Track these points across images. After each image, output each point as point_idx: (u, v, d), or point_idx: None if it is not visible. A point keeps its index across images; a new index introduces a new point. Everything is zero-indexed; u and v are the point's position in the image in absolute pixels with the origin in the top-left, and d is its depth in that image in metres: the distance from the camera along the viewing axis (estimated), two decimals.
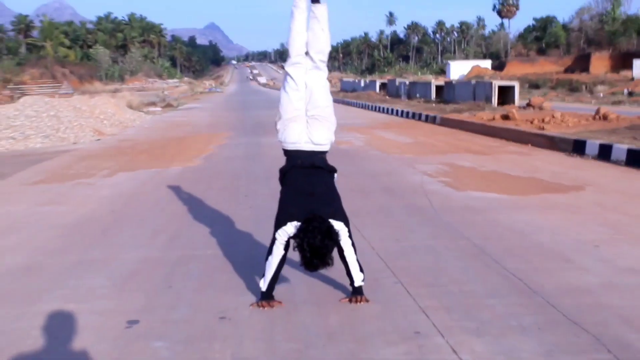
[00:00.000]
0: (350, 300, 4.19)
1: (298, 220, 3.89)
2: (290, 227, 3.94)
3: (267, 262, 4.11)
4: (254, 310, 4.10)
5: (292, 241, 4.00)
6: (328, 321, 3.89)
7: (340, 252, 4.11)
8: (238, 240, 5.98)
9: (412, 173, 9.88)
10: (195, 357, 3.41)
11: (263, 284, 4.15)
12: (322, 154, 4.21)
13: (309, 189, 4.01)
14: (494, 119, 17.52)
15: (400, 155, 12.22)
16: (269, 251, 4.11)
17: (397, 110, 25.36)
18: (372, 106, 29.71)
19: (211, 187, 9.02)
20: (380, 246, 5.55)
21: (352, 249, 4.13)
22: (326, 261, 3.82)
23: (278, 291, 4.28)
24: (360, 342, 3.56)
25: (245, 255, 5.42)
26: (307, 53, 4.25)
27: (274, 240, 4.06)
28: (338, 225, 3.97)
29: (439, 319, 3.87)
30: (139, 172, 10.84)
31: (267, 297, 4.15)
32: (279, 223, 4.00)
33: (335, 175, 4.25)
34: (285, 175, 4.18)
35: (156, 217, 7.14)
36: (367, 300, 4.18)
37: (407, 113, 23.77)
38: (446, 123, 19.19)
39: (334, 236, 3.83)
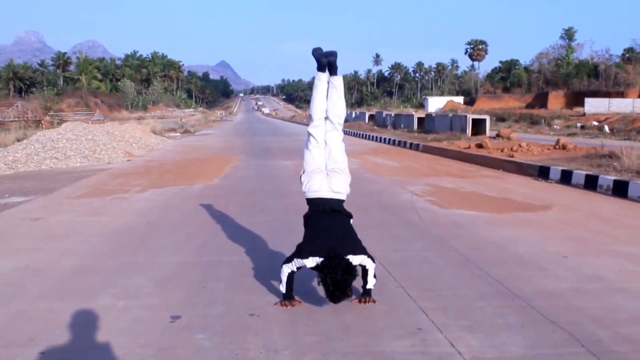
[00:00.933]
0: (360, 301, 4.24)
1: (319, 256, 3.93)
2: (311, 261, 3.98)
3: (282, 270, 4.17)
4: (278, 308, 4.15)
5: (308, 271, 4.05)
6: (343, 318, 3.95)
7: (364, 269, 4.17)
8: (258, 249, 6.02)
9: (402, 192, 9.95)
10: (233, 347, 3.45)
11: (282, 287, 4.20)
12: (340, 202, 4.29)
13: (329, 229, 4.06)
14: (469, 147, 17.66)
15: (390, 177, 12.32)
16: (285, 262, 4.16)
17: (384, 139, 25.51)
18: (362, 134, 29.87)
19: (230, 203, 9.06)
20: (382, 256, 5.62)
21: (373, 264, 4.19)
22: (347, 293, 3.84)
23: (298, 291, 4.34)
24: (372, 336, 3.62)
25: (265, 262, 5.46)
26: (326, 117, 4.42)
27: (291, 259, 4.08)
28: (359, 258, 4.02)
29: (437, 318, 3.94)
30: (167, 188, 10.88)
31: (287, 297, 4.20)
32: (301, 254, 4.02)
33: (351, 220, 4.30)
34: (308, 219, 4.24)
35: (186, 227, 7.17)
36: (374, 301, 4.24)
37: (394, 141, 23.92)
38: (428, 150, 19.34)
39: (352, 271, 3.84)
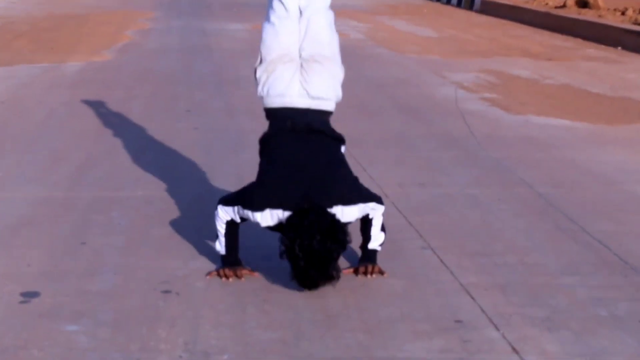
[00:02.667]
0: (357, 271, 4.27)
1: (286, 209, 3.93)
2: (268, 217, 3.98)
3: (216, 217, 4.21)
4: (213, 281, 4.16)
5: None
6: (327, 302, 3.95)
7: (365, 220, 4.23)
8: (181, 177, 6.00)
9: (439, 84, 9.84)
10: (131, 349, 3.46)
11: (219, 245, 4.23)
12: (324, 114, 4.29)
13: (303, 162, 4.06)
14: (564, 5, 17.47)
15: (420, 55, 12.16)
16: (220, 202, 4.21)
17: None
18: None
19: (133, 96, 8.95)
20: (399, 194, 5.59)
21: (381, 209, 4.25)
22: (329, 273, 3.86)
23: (249, 256, 4.33)
24: (373, 333, 3.62)
25: (193, 200, 5.44)
26: None
27: (230, 200, 4.15)
28: (354, 210, 4.04)
29: (490, 302, 3.95)
30: (18, 67, 10.72)
31: (230, 262, 4.22)
32: (250, 203, 4.02)
33: (343, 146, 4.31)
34: (267, 143, 4.24)
35: (53, 137, 7.12)
36: (382, 272, 4.26)
37: None
38: (490, 9, 19.11)
39: (340, 235, 3.86)
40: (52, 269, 4.31)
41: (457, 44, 13.65)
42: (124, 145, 6.85)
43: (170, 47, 12.85)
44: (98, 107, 8.28)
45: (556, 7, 17.59)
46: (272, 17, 4.32)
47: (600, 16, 15.88)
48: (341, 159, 4.24)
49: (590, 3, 17.08)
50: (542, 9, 17.55)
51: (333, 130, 4.30)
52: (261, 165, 4.22)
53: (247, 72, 9.37)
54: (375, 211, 4.19)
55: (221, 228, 4.19)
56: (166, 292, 4.03)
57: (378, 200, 4.21)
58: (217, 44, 13.15)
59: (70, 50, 12.27)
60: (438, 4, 21.89)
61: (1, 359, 3.38)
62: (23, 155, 6.58)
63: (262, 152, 4.27)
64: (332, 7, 4.41)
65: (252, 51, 10.95)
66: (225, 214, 4.16)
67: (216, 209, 4.20)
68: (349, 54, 11.80)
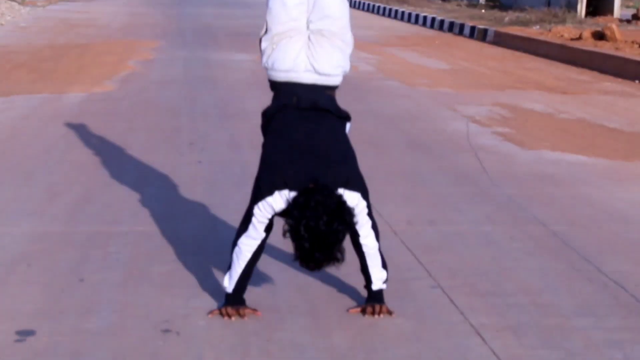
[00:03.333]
0: (364, 311, 4.29)
1: (291, 189, 3.95)
2: (279, 199, 3.99)
3: (236, 250, 4.18)
4: (214, 319, 4.17)
5: (277, 221, 4.06)
6: (331, 342, 3.98)
7: (355, 238, 4.19)
8: (183, 213, 6.02)
9: (451, 118, 9.87)
10: None
11: (228, 282, 4.22)
12: (330, 89, 4.31)
13: (309, 141, 4.08)
14: (580, 37, 17.52)
15: (431, 88, 12.20)
16: (240, 232, 4.18)
17: (423, 18, 25.24)
18: (383, 9, 29.54)
19: (135, 128, 8.98)
20: (408, 232, 5.62)
21: (372, 233, 4.23)
22: (334, 255, 3.86)
23: (252, 294, 4.34)
24: None
25: (195, 237, 5.46)
26: None
27: (249, 216, 4.13)
28: (352, 197, 4.04)
29: (502, 344, 3.96)
30: (16, 98, 10.75)
31: (235, 301, 4.23)
32: (260, 192, 4.05)
33: (348, 124, 4.34)
34: (271, 119, 4.25)
35: (51, 171, 7.14)
36: (390, 312, 4.28)
37: (441, 23, 23.70)
38: (503, 41, 19.17)
39: (346, 216, 3.89)
40: (49, 306, 4.32)
41: (469, 77, 13.70)
42: (124, 178, 6.87)
43: (173, 78, 12.90)
44: (98, 139, 8.32)
45: (572, 39, 17.64)
46: None
47: (617, 49, 15.91)
48: (345, 139, 4.26)
49: (607, 35, 17.13)
50: (558, 40, 17.59)
51: (339, 109, 4.31)
52: (265, 145, 4.23)
53: (252, 104, 9.57)
54: (358, 206, 4.08)
55: (240, 266, 4.14)
56: (166, 331, 4.04)
57: (365, 193, 4.13)
58: (221, 75, 13.20)
59: (70, 80, 12.33)
60: (450, 35, 21.97)
61: None
62: (20, 188, 6.60)
63: (266, 128, 4.28)
64: None
65: (257, 83, 11.12)
66: (250, 241, 4.11)
67: (237, 243, 4.16)
68: (358, 86, 11.95)
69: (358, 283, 4.42)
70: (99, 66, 14.10)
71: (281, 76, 4.26)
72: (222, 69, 13.95)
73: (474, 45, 19.46)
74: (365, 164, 6.98)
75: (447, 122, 9.69)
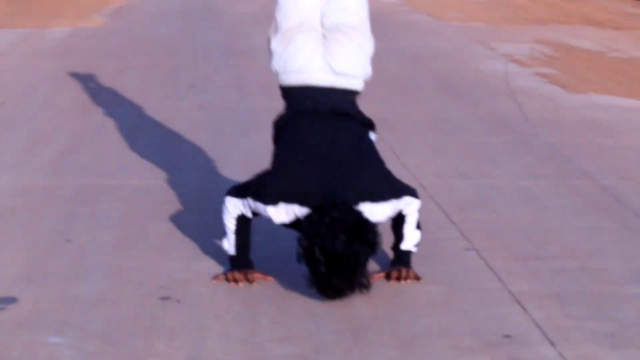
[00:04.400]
0: (388, 276, 4.24)
1: (301, 204, 3.92)
2: (282, 212, 3.97)
3: (223, 209, 4.21)
4: (219, 286, 4.15)
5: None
6: (351, 311, 3.92)
7: (398, 217, 4.20)
8: (182, 163, 6.03)
9: (487, 56, 9.87)
10: None
11: (228, 245, 4.21)
12: (350, 94, 4.28)
13: (327, 150, 4.04)
14: None
15: (463, 23, 12.22)
16: (229, 192, 4.21)
17: None
18: None
19: (128, 68, 9.00)
20: (438, 186, 5.59)
21: (417, 203, 4.22)
22: (357, 280, 3.83)
23: (261, 257, 4.31)
24: (408, 349, 3.59)
25: (196, 192, 5.46)
26: None
27: (239, 194, 4.14)
28: (384, 208, 4.03)
29: (545, 314, 3.91)
30: None
31: (240, 264, 4.21)
32: (261, 195, 4.01)
33: (373, 134, 4.28)
34: (283, 127, 4.22)
35: (34, 116, 7.16)
36: (418, 278, 4.23)
37: None
38: None
39: (369, 236, 3.85)
40: (32, 270, 4.29)
41: (507, 9, 13.64)
42: (116, 125, 6.87)
43: (171, 10, 12.88)
44: (86, 80, 8.32)
45: None
46: None
47: None
48: (370, 147, 4.20)
49: None
50: None
51: (361, 114, 4.25)
52: (276, 153, 4.18)
53: (261, 40, 9.32)
54: (409, 206, 4.14)
55: (230, 224, 4.16)
56: (165, 298, 4.00)
57: (413, 193, 4.17)
58: (226, 7, 13.18)
59: (54, 13, 12.34)
60: None
61: None
62: (4, 135, 6.60)
63: (277, 138, 4.24)
64: None
65: (267, 16, 10.88)
66: (234, 208, 4.13)
67: (224, 201, 4.17)
68: (381, 21, 11.81)
69: (384, 242, 4.33)
70: None
71: (293, 78, 4.23)
72: (226, 0, 13.86)
73: None
74: (388, 110, 7.02)
75: (483, 61, 9.68)
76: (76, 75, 8.44)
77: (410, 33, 11.26)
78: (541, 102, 7.84)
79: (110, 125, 6.87)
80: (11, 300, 3.96)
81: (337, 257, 3.74)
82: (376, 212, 3.98)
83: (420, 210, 4.24)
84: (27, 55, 9.53)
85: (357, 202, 3.92)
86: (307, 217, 3.88)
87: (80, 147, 6.33)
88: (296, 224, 3.97)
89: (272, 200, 3.96)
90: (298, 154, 4.07)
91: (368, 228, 3.86)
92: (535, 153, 6.40)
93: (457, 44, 10.61)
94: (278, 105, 4.37)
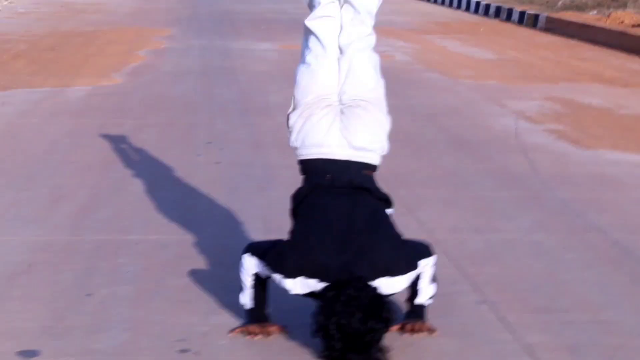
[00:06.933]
0: (402, 329, 4.27)
1: (319, 279, 3.94)
2: (299, 285, 3.99)
3: (241, 269, 4.23)
4: (237, 339, 4.17)
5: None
6: None
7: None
8: (200, 218, 6.03)
9: (498, 114, 9.84)
10: None
11: (245, 299, 4.24)
12: (368, 169, 4.28)
13: (345, 225, 4.03)
14: None
15: (475, 81, 12.18)
16: (246, 250, 4.24)
17: (467, 2, 25.15)
18: None
19: (146, 125, 9.00)
20: (451, 240, 5.61)
21: (433, 259, 4.26)
22: (372, 356, 3.83)
23: (279, 307, 4.34)
24: None
25: (213, 245, 5.47)
26: None
27: (256, 253, 4.15)
28: (402, 281, 4.04)
29: None
30: (15, 92, 10.78)
31: (257, 317, 4.24)
32: (280, 267, 4.03)
33: (390, 210, 4.29)
34: (301, 202, 4.23)
35: (54, 173, 7.16)
36: (431, 330, 4.27)
37: (486, 7, 23.61)
38: (556, 27, 19.08)
39: (384, 312, 3.85)
40: (53, 324, 4.33)
41: (518, 68, 13.64)
42: (135, 181, 6.89)
43: (189, 70, 12.91)
44: (105, 138, 8.33)
45: (633, 26, 17.47)
46: (308, 57, 4.33)
47: None
48: (387, 222, 4.19)
49: None
50: (618, 27, 17.44)
51: (379, 190, 4.26)
52: (294, 226, 4.19)
53: (276, 98, 9.57)
54: (425, 267, 4.17)
55: (247, 281, 4.19)
56: (183, 351, 4.05)
57: (427, 253, 4.20)
58: (242, 66, 13.20)
59: (75, 72, 12.36)
60: (496, 21, 21.88)
61: None
62: (20, 193, 6.62)
63: (296, 212, 4.25)
64: (376, 24, 4.39)
65: (282, 74, 11.10)
66: (251, 266, 4.15)
67: (241, 258, 4.20)
68: (394, 79, 11.81)
69: (399, 295, 4.37)
70: (106, 57, 14.14)
71: (312, 152, 4.23)
72: (243, 60, 13.96)
73: (524, 32, 19.37)
74: (401, 165, 7.09)
75: (494, 118, 9.66)
76: (95, 133, 8.49)
77: (422, 90, 11.30)
78: (551, 158, 7.85)
79: (129, 181, 6.91)
80: (33, 353, 4.02)
81: (352, 335, 3.74)
82: (394, 285, 4.00)
83: (435, 264, 4.25)
84: (47, 114, 9.58)
85: (374, 277, 3.93)
86: (324, 293, 3.88)
87: (100, 203, 6.37)
88: (310, 294, 3.99)
89: (290, 274, 3.98)
90: (316, 229, 4.04)
91: (383, 305, 3.86)
92: (545, 207, 6.43)
93: (469, 101, 10.66)
94: (293, 162, 4.41)
